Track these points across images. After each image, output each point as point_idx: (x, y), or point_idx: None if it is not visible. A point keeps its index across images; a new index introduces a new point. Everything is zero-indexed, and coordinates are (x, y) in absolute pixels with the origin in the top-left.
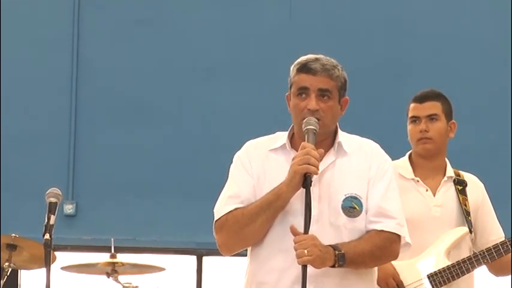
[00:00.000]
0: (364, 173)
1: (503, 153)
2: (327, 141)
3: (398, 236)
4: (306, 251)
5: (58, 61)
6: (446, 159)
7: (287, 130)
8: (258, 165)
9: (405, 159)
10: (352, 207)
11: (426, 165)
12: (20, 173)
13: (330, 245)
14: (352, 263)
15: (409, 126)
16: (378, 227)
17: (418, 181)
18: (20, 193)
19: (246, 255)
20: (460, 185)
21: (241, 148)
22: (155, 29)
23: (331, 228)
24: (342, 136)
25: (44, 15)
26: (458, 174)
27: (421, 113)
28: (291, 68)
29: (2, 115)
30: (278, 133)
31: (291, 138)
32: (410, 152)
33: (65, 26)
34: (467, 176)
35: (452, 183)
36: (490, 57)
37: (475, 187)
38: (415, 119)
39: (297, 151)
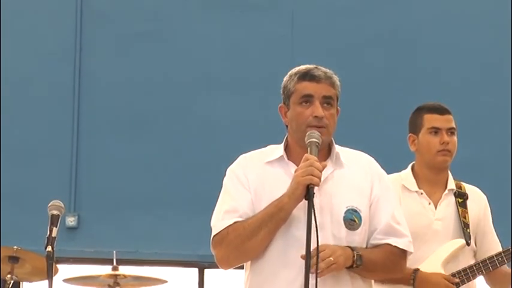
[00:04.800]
0: (365, 187)
1: (503, 165)
2: (322, 151)
3: (405, 254)
4: (331, 259)
5: (60, 74)
6: (449, 172)
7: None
8: (255, 179)
9: (408, 171)
10: (352, 219)
11: (431, 177)
12: (22, 186)
13: (348, 246)
14: (364, 269)
15: (427, 137)
16: (391, 242)
17: (422, 193)
18: (22, 205)
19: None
20: (461, 197)
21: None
22: (156, 42)
23: (334, 240)
24: (337, 148)
25: (46, 28)
26: (459, 187)
27: (443, 125)
28: (288, 78)
29: (4, 127)
30: (270, 146)
31: (286, 149)
32: (412, 164)
33: (67, 39)
34: (469, 188)
35: (453, 196)
36: (492, 69)
37: (477, 199)
38: (436, 130)
39: (294, 163)
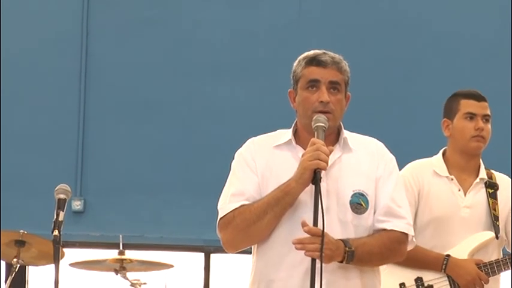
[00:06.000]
0: (371, 171)
1: (506, 153)
2: (331, 137)
3: (407, 236)
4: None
5: (67, 58)
6: (481, 160)
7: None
8: (262, 162)
9: (439, 157)
10: (359, 203)
11: (463, 164)
12: (28, 170)
13: (341, 240)
14: (359, 261)
15: (462, 122)
16: (388, 226)
17: (452, 179)
18: (29, 189)
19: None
20: (491, 188)
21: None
22: (163, 26)
23: (339, 224)
24: (346, 133)
25: (52, 12)
26: (490, 176)
27: (480, 111)
28: (296, 63)
29: (11, 111)
30: (280, 130)
31: (295, 134)
32: (444, 149)
33: (73, 23)
34: (499, 178)
35: (483, 186)
36: (498, 56)
37: (508, 189)
38: (472, 116)
39: (302, 147)
